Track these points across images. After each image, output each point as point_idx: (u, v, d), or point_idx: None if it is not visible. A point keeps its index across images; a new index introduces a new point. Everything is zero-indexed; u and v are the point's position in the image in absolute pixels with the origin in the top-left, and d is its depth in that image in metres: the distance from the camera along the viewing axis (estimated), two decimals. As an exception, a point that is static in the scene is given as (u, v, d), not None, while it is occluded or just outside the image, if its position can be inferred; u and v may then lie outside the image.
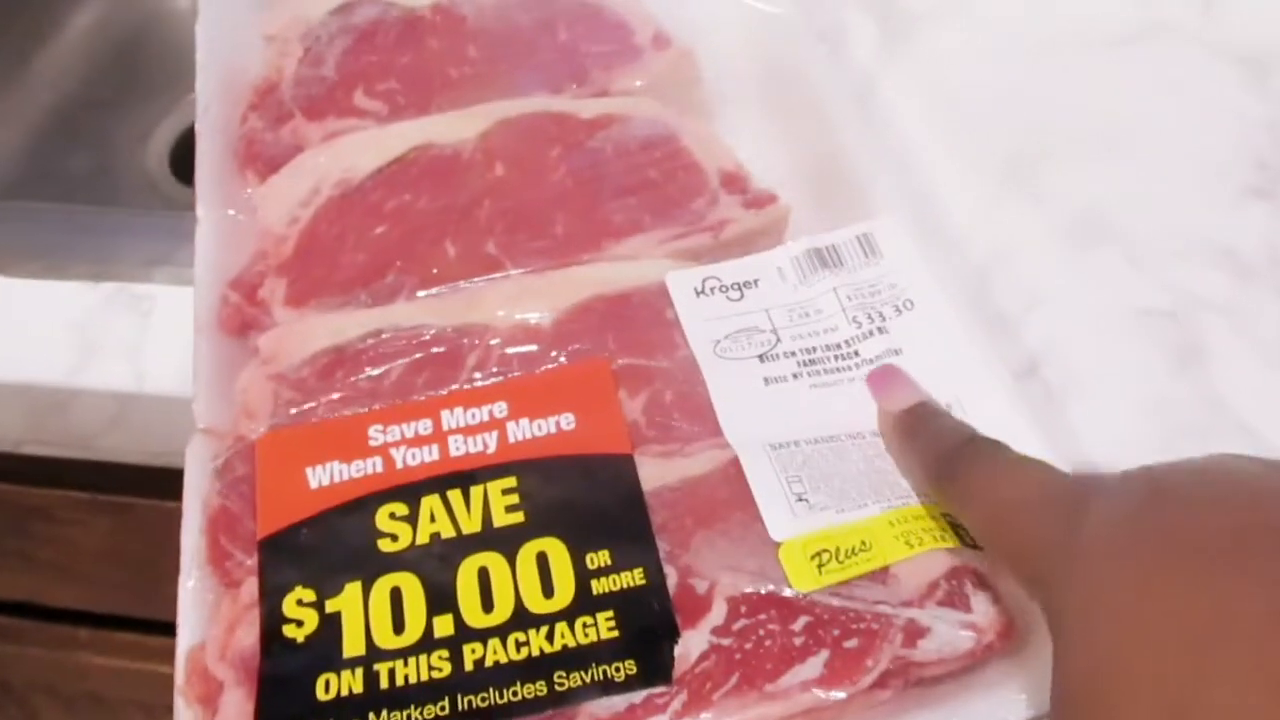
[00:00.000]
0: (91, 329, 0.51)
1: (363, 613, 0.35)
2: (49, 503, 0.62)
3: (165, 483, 0.56)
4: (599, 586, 0.35)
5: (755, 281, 0.43)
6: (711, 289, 0.42)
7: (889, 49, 0.58)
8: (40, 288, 0.53)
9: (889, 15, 0.60)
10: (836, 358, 0.41)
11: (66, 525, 0.63)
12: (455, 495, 0.38)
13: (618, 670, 0.34)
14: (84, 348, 0.51)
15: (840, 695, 0.33)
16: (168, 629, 0.75)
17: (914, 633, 0.34)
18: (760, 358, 0.41)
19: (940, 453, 0.35)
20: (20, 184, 0.86)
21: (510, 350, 0.42)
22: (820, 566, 0.35)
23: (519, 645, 0.34)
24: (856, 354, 0.41)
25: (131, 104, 0.91)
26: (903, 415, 0.38)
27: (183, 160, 0.89)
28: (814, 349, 0.41)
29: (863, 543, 0.35)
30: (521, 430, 0.39)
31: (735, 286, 0.42)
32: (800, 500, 0.36)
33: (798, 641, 0.34)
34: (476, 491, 0.38)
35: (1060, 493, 0.30)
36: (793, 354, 0.41)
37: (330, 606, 0.36)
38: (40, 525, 0.64)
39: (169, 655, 0.77)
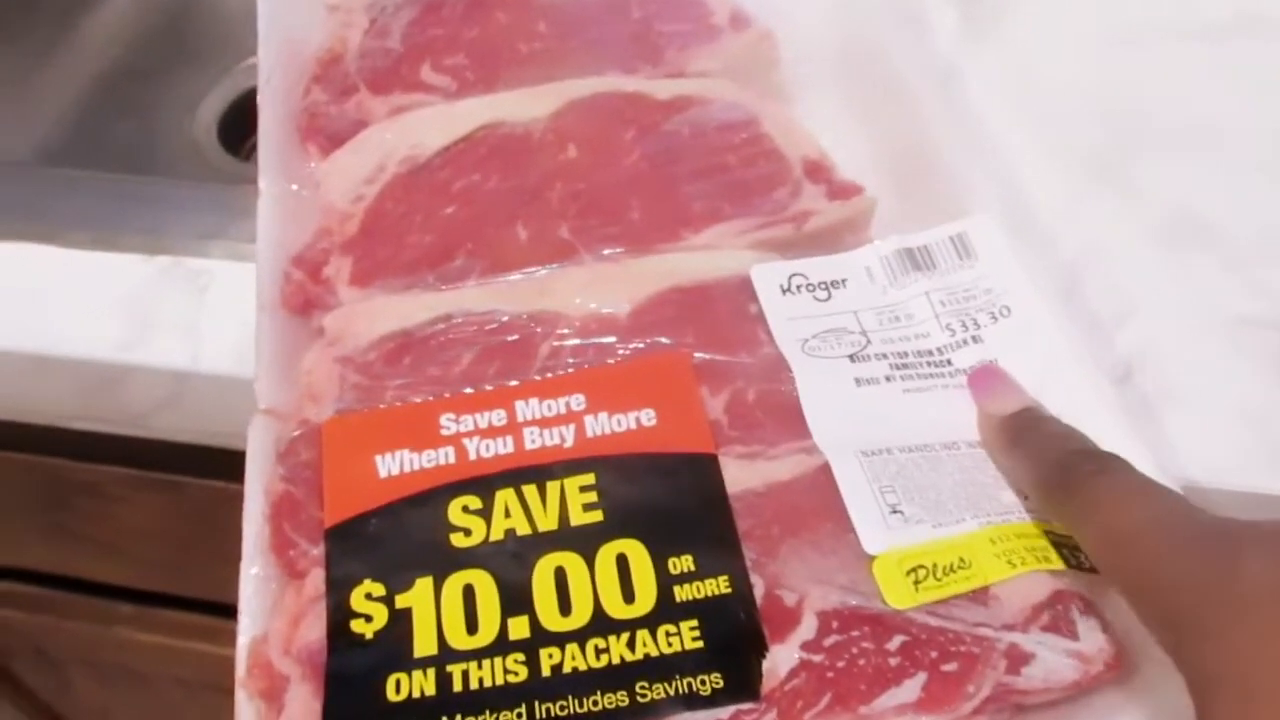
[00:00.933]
0: (145, 304, 0.50)
1: (434, 610, 0.34)
2: (97, 479, 0.60)
3: (216, 462, 0.55)
4: (682, 593, 0.34)
5: (843, 281, 0.41)
6: (798, 287, 0.41)
7: (970, 36, 0.56)
8: (92, 259, 0.52)
9: (971, 1, 0.58)
10: (929, 364, 0.39)
11: (114, 502, 0.62)
12: (530, 490, 0.36)
13: (703, 683, 0.32)
14: (137, 323, 0.49)
15: (941, 721, 0.31)
16: (208, 608, 0.74)
17: (1017, 659, 0.32)
18: (851, 358, 0.39)
19: (1055, 461, 0.33)
20: (66, 151, 0.85)
21: (585, 340, 0.40)
22: (917, 583, 0.33)
23: (599, 652, 0.33)
24: (949, 363, 0.39)
25: (179, 72, 0.89)
26: (1009, 420, 0.36)
27: (230, 130, 0.87)
28: (905, 354, 0.39)
29: (961, 560, 0.34)
30: (600, 425, 0.37)
31: (823, 285, 0.41)
32: (895, 512, 0.35)
33: (893, 662, 0.32)
34: (553, 487, 0.36)
35: (1203, 529, 0.28)
36: (884, 356, 0.39)
37: (400, 602, 0.34)
38: (87, 501, 0.63)
39: (208, 633, 0.77)
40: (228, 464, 0.54)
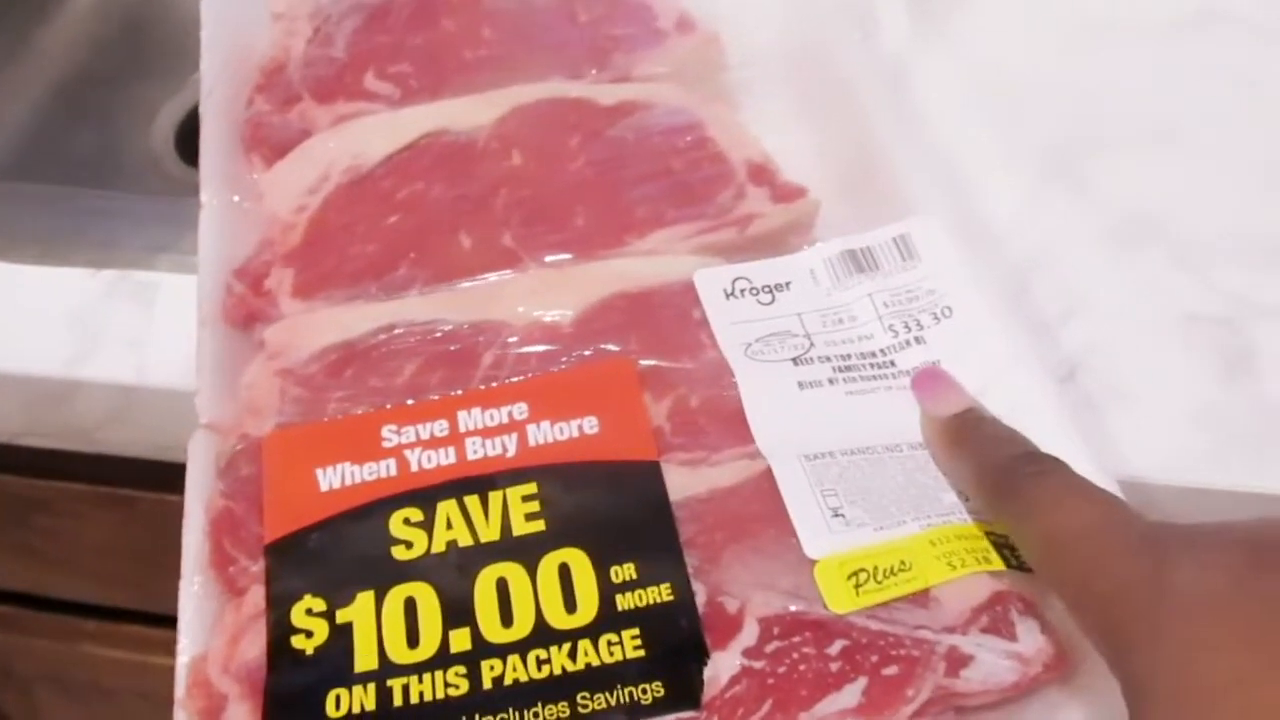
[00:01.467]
0: (93, 318, 0.50)
1: (375, 624, 0.34)
2: (49, 495, 0.60)
3: (168, 476, 0.54)
4: (624, 602, 0.34)
5: (787, 284, 0.41)
6: (741, 290, 0.40)
7: (921, 35, 0.56)
8: (39, 274, 0.51)
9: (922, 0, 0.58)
10: (872, 366, 0.39)
11: (67, 518, 0.62)
12: (473, 501, 0.36)
13: (644, 692, 0.32)
14: (85, 337, 0.49)
15: (881, 725, 0.31)
16: (170, 622, 0.73)
17: (957, 661, 0.32)
18: (794, 360, 0.39)
19: (996, 463, 0.33)
20: (22, 162, 0.84)
21: (529, 349, 0.40)
22: (858, 587, 0.33)
23: (540, 663, 0.33)
24: (893, 364, 0.39)
25: (136, 82, 0.89)
26: (951, 420, 0.36)
27: (188, 140, 0.87)
28: (849, 356, 0.39)
29: (902, 562, 0.33)
30: (543, 433, 0.37)
31: (766, 289, 0.40)
32: (836, 515, 0.35)
33: (834, 667, 0.32)
34: (495, 497, 0.36)
35: (1137, 533, 0.28)
36: (827, 359, 0.39)
37: (341, 617, 0.34)
38: (42, 518, 0.62)
39: (170, 648, 0.76)
40: (179, 478, 0.54)
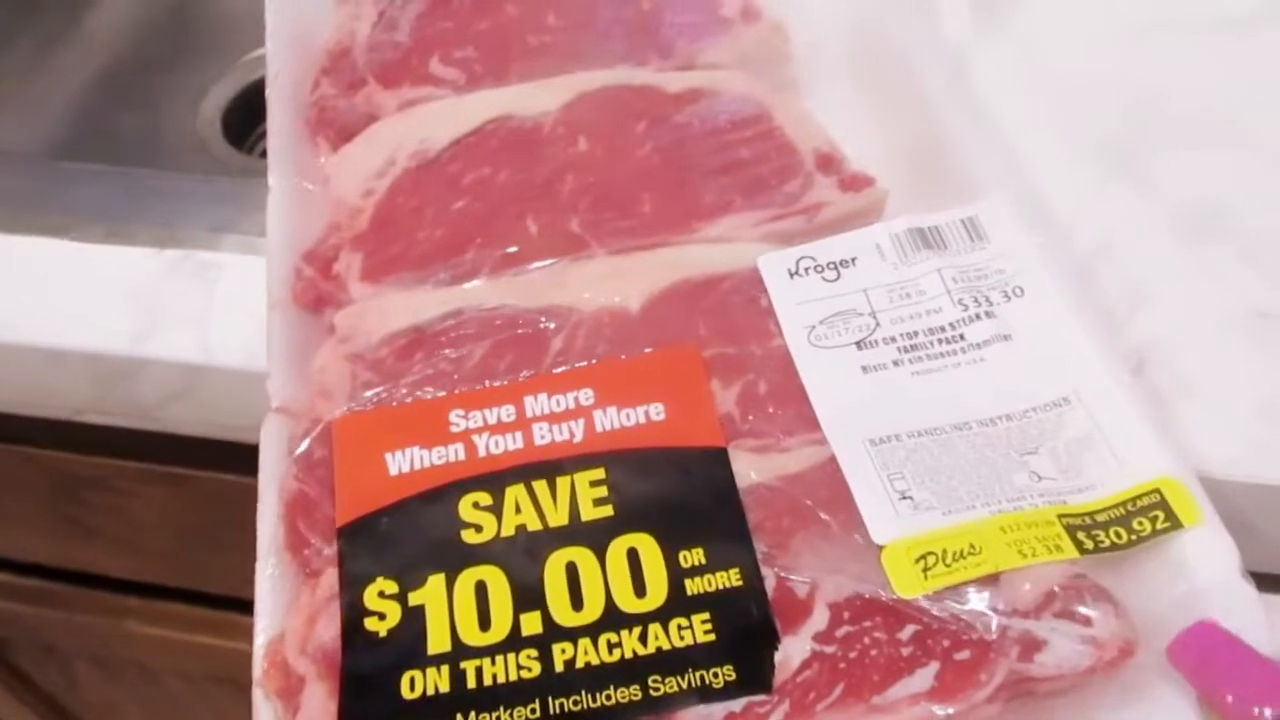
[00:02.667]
0: (157, 297, 0.50)
1: (447, 607, 0.34)
2: (106, 472, 0.61)
3: (225, 455, 0.55)
4: (693, 586, 0.34)
5: (853, 260, 0.41)
6: (806, 269, 0.40)
7: (983, 27, 0.56)
8: (103, 253, 0.52)
9: (982, -9, 0.58)
10: (940, 341, 0.38)
11: (122, 495, 0.62)
12: (541, 486, 0.36)
13: (716, 676, 0.32)
14: (150, 316, 0.49)
15: (951, 710, 0.31)
16: (213, 601, 0.74)
17: (1030, 645, 0.32)
18: (858, 344, 0.39)
19: None
20: (71, 144, 0.85)
21: (595, 334, 0.40)
22: (926, 570, 0.33)
23: (611, 646, 0.33)
24: (962, 338, 0.38)
25: (184, 66, 0.89)
26: None
27: (234, 123, 0.87)
28: (915, 333, 0.39)
29: (971, 546, 0.33)
30: (609, 419, 0.38)
31: (831, 266, 0.40)
32: (904, 499, 0.35)
33: (905, 651, 0.32)
34: (563, 482, 0.36)
35: None
36: (893, 339, 0.39)
37: (414, 599, 0.34)
38: (94, 495, 0.63)
39: (214, 627, 0.77)
40: (236, 457, 0.54)
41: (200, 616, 0.75)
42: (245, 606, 0.74)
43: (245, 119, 0.88)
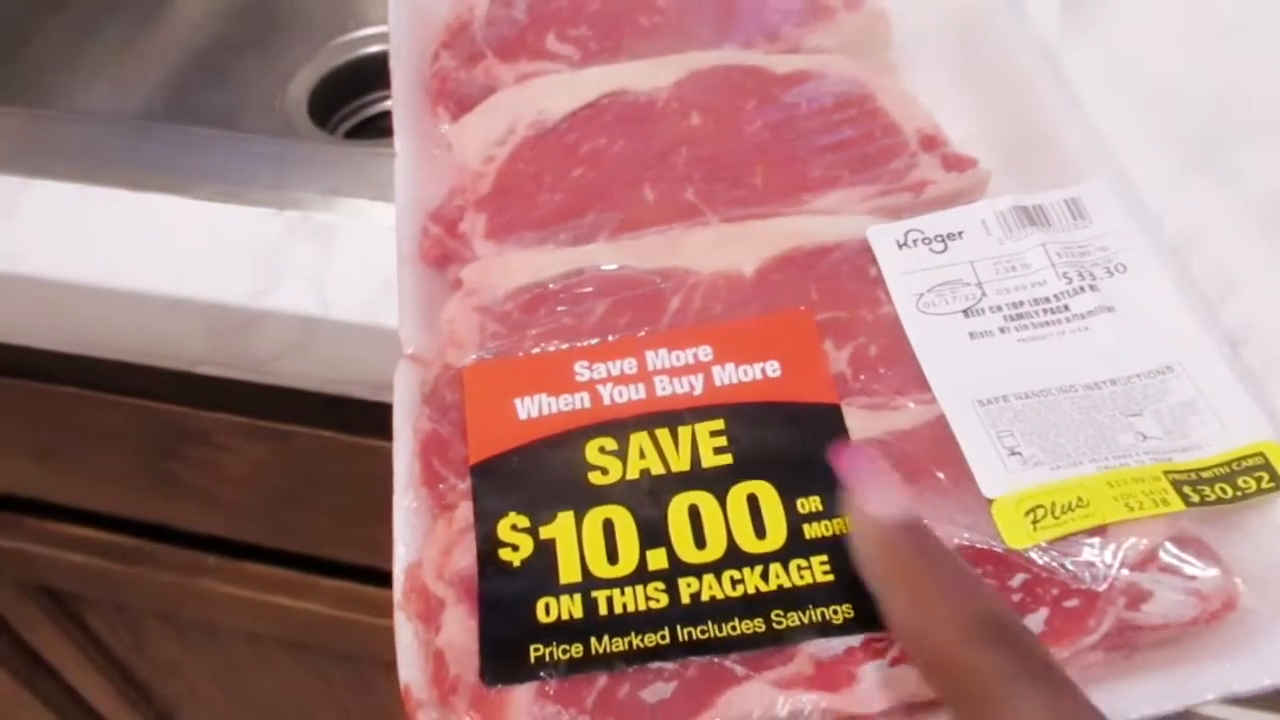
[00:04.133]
0: (276, 254, 0.52)
1: (576, 541, 0.36)
2: (209, 426, 0.63)
3: (329, 412, 0.57)
4: (811, 531, 0.36)
5: (959, 233, 0.42)
6: (914, 241, 0.42)
7: (1071, 23, 0.57)
8: (223, 211, 0.54)
9: (1069, -10, 0.59)
10: (1045, 311, 0.40)
11: (220, 450, 0.65)
12: (663, 434, 0.38)
13: (835, 613, 0.34)
14: (268, 272, 0.52)
15: (1063, 654, 0.33)
16: (295, 561, 0.76)
17: (1137, 596, 0.34)
18: (965, 312, 0.40)
19: (980, 694, 0.27)
20: (161, 120, 0.87)
21: (712, 296, 0.42)
22: (1035, 522, 0.35)
23: (734, 582, 0.35)
24: (1066, 308, 0.40)
25: (272, 46, 0.92)
26: (897, 535, 0.31)
27: (320, 105, 0.90)
28: (1021, 302, 0.40)
29: (1079, 499, 0.35)
30: (727, 375, 0.39)
31: (939, 238, 0.42)
32: (1013, 454, 0.36)
33: (1016, 598, 0.34)
34: (684, 431, 0.38)
35: None
36: (998, 308, 0.40)
37: (544, 533, 0.36)
38: (195, 449, 0.65)
39: (291, 588, 0.79)
40: (340, 413, 0.56)
41: (278, 577, 0.77)
42: (325, 567, 0.77)
43: (330, 100, 0.90)
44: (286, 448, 0.62)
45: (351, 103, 0.90)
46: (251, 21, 0.92)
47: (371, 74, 0.90)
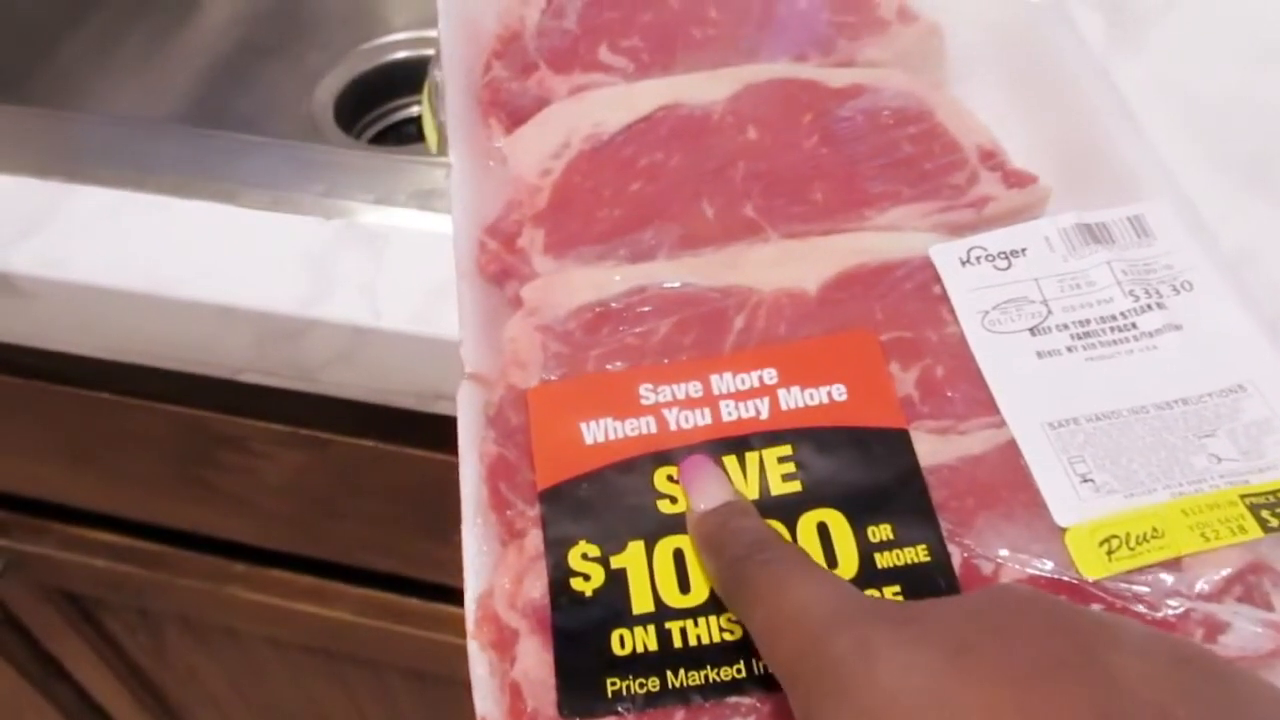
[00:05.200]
0: (326, 263, 0.52)
1: (648, 571, 0.36)
2: (247, 433, 0.63)
3: (370, 421, 0.57)
4: (882, 560, 0.36)
5: (1023, 250, 0.42)
6: (978, 258, 0.42)
7: (1117, 40, 0.57)
8: (272, 219, 0.54)
9: (1119, 8, 0.59)
10: (1112, 330, 0.40)
11: (257, 457, 0.64)
12: (731, 461, 0.38)
13: (912, 643, 0.34)
14: (318, 281, 0.51)
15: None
16: (321, 568, 0.76)
17: (1214, 628, 0.34)
18: (1031, 330, 0.40)
19: (734, 555, 0.33)
20: (189, 123, 0.87)
21: (776, 314, 0.42)
22: (1110, 553, 0.35)
23: None
24: (1134, 326, 0.40)
25: (300, 51, 0.92)
26: (707, 516, 0.35)
27: (346, 110, 0.90)
28: (1087, 320, 0.40)
29: (1154, 529, 0.35)
30: (793, 399, 0.39)
31: (1002, 255, 0.42)
32: (1085, 481, 0.36)
33: (1093, 629, 0.34)
34: (752, 458, 0.38)
35: (853, 615, 0.28)
36: (1065, 326, 0.40)
37: (615, 563, 0.36)
38: (231, 455, 0.65)
39: (317, 595, 0.79)
40: (382, 423, 0.56)
41: (305, 584, 0.77)
42: (352, 575, 0.76)
43: (356, 106, 0.90)
44: (324, 455, 0.62)
45: (377, 108, 0.90)
46: (278, 27, 0.92)
47: (397, 79, 0.90)
